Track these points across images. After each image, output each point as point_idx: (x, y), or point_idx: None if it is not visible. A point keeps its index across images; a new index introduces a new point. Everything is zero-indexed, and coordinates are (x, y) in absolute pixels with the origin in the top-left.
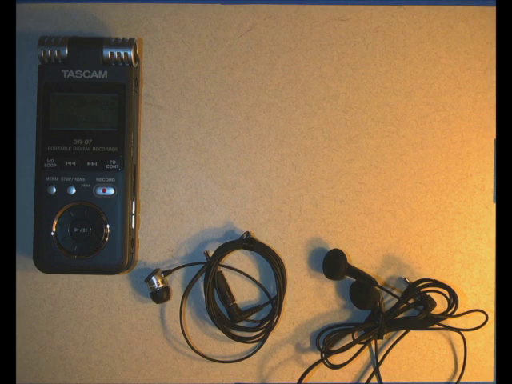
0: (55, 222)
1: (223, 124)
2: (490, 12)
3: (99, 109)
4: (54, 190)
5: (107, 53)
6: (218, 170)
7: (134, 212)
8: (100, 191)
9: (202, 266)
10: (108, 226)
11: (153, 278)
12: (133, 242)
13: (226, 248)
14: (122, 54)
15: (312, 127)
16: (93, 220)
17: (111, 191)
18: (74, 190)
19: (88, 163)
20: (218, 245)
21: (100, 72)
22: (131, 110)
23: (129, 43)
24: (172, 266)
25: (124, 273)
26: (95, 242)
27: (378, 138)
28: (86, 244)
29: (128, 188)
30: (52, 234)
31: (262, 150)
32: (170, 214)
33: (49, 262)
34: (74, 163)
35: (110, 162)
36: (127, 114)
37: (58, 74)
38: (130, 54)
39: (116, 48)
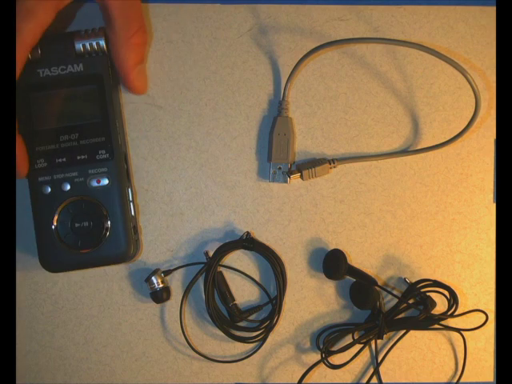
0: (55, 221)
1: (223, 124)
2: (490, 12)
3: (80, 102)
4: (49, 189)
5: (79, 46)
6: (218, 170)
7: (131, 199)
8: (94, 183)
9: (202, 265)
10: (108, 216)
11: (153, 278)
12: (135, 229)
13: (225, 248)
14: (94, 44)
15: (312, 127)
16: (92, 212)
17: (105, 181)
18: (68, 186)
19: (78, 157)
20: (217, 245)
21: (75, 65)
22: (112, 98)
23: (99, 32)
24: (172, 265)
25: (132, 260)
26: (98, 233)
27: (378, 138)
28: (89, 237)
29: (122, 175)
30: (54, 233)
31: (261, 149)
32: (170, 213)
33: (56, 262)
34: (65, 159)
35: (100, 152)
36: (109, 102)
37: (35, 74)
38: (102, 43)
39: (87, 40)
